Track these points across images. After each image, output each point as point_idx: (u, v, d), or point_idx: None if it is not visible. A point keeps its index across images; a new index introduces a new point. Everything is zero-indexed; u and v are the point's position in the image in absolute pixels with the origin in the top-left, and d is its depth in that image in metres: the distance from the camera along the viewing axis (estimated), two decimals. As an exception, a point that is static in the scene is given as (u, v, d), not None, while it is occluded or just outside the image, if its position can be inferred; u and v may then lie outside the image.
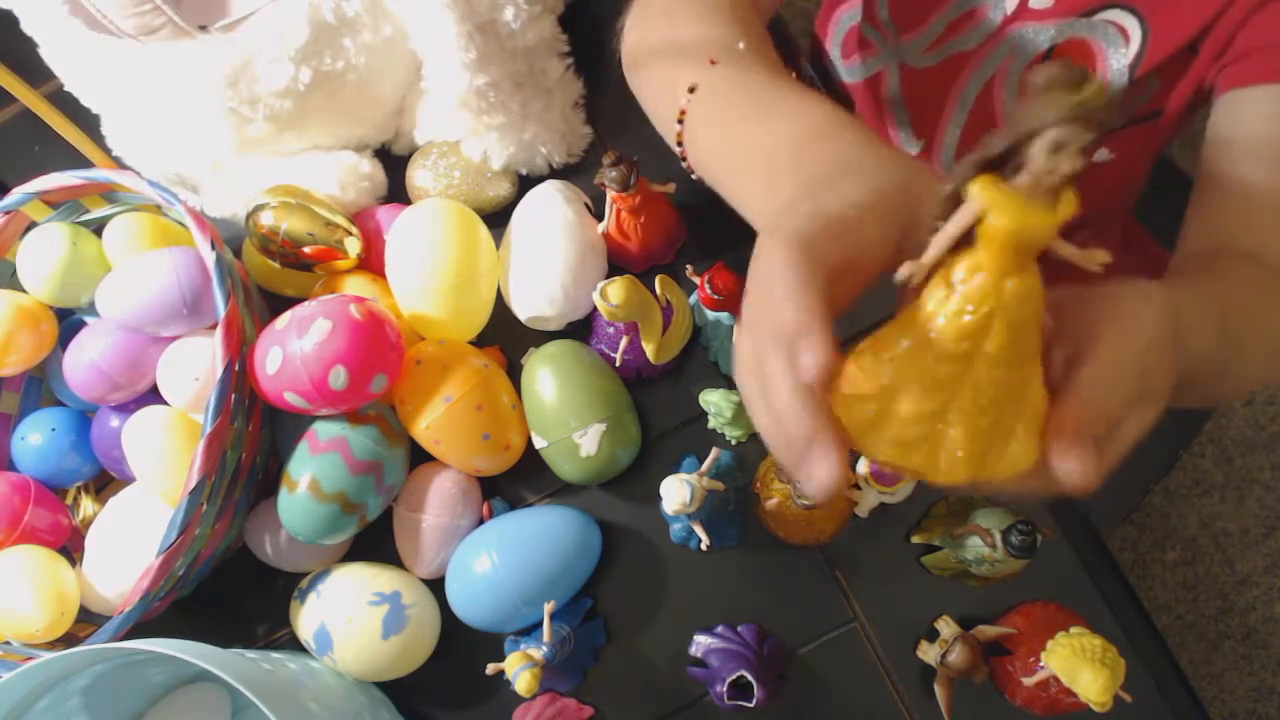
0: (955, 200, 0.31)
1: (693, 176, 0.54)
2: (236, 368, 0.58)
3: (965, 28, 0.65)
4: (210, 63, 0.61)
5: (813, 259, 0.33)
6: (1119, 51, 0.60)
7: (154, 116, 0.67)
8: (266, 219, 0.65)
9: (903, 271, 0.31)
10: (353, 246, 0.66)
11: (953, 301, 0.31)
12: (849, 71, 0.78)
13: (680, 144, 0.53)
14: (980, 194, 0.29)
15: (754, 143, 0.46)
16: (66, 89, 0.69)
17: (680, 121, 0.52)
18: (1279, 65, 0.54)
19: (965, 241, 0.31)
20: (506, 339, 0.69)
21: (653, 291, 0.63)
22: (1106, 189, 0.72)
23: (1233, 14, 0.57)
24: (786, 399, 0.32)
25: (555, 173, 0.72)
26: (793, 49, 0.76)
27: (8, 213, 0.66)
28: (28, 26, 0.65)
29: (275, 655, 0.64)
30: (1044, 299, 0.31)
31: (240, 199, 0.72)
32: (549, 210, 0.66)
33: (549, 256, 0.65)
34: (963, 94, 0.68)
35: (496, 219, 0.70)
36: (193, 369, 0.61)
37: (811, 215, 0.34)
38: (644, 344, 0.63)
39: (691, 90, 0.51)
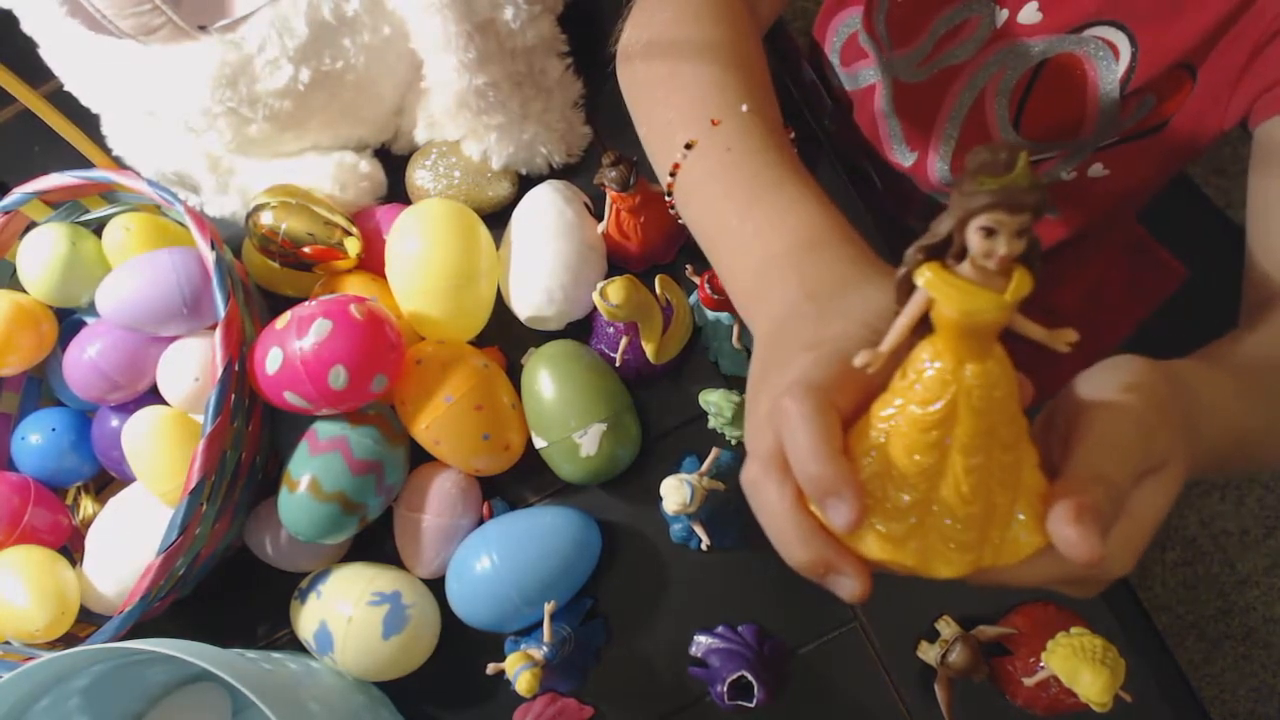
0: (908, 286, 0.31)
1: (679, 220, 0.54)
2: (236, 368, 0.58)
3: (956, 41, 0.65)
4: (210, 63, 0.61)
5: (831, 410, 0.33)
6: (1109, 66, 0.60)
7: (154, 116, 0.67)
8: (266, 219, 0.64)
9: (860, 359, 0.31)
10: (352, 246, 0.66)
11: (916, 391, 0.31)
12: (848, 79, 0.78)
13: (669, 194, 0.53)
14: (925, 283, 0.30)
15: (741, 240, 0.46)
16: (66, 89, 0.69)
17: (672, 175, 0.51)
18: None
19: (926, 326, 0.31)
20: (506, 339, 0.69)
21: (653, 291, 0.63)
22: (1104, 202, 0.73)
23: (1237, 36, 0.57)
24: (807, 537, 0.34)
25: (555, 173, 0.72)
26: (793, 51, 0.76)
27: (8, 213, 0.66)
28: (27, 26, 0.65)
29: (275, 655, 0.64)
30: (1014, 380, 0.31)
31: (240, 199, 0.72)
32: (549, 210, 0.66)
33: (549, 256, 0.65)
34: (955, 106, 0.68)
35: (496, 219, 0.70)
36: (193, 369, 0.61)
37: (825, 362, 0.34)
38: (644, 344, 0.63)
39: (688, 146, 0.50)
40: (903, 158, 0.75)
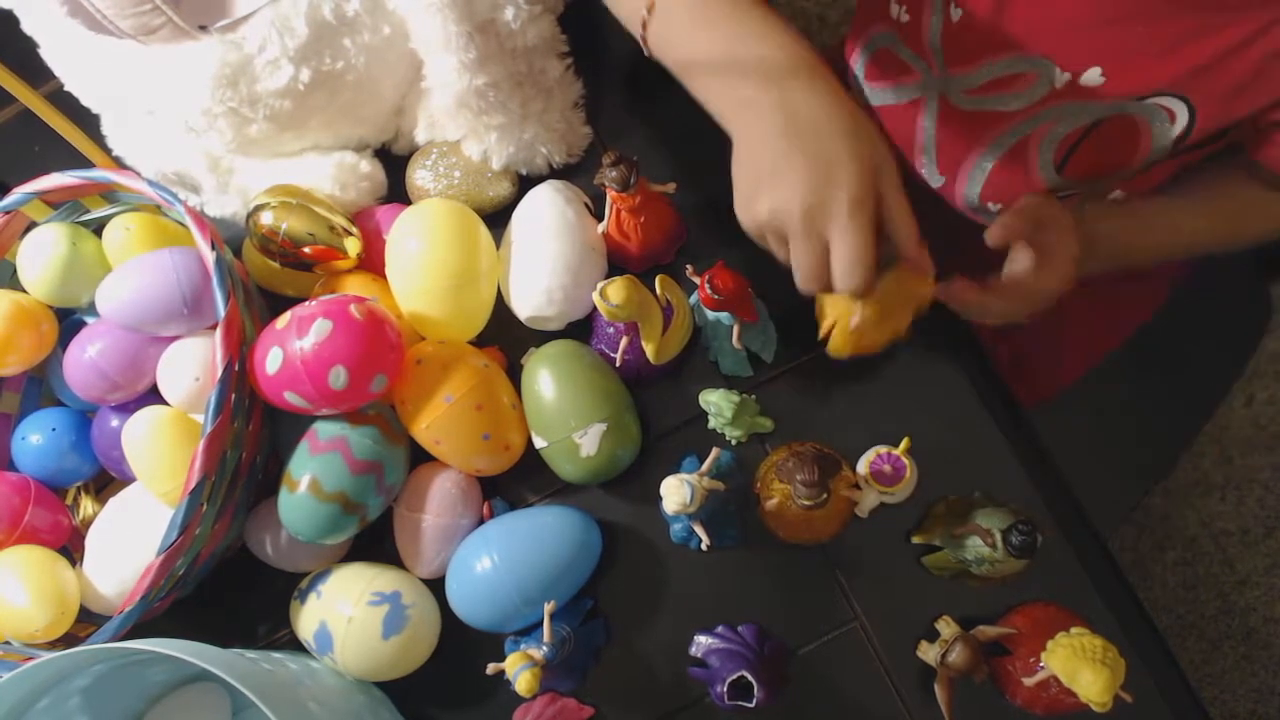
0: None
1: (648, 55, 0.57)
2: (236, 368, 0.58)
3: (1009, 89, 0.64)
4: (210, 62, 0.61)
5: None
6: (1164, 128, 0.60)
7: (154, 116, 0.67)
8: (267, 219, 0.64)
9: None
10: (352, 246, 0.66)
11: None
12: (876, 94, 0.77)
13: (645, 40, 0.56)
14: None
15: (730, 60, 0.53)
16: (66, 89, 0.69)
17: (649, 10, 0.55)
18: None
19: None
20: (506, 339, 0.69)
21: (653, 291, 0.63)
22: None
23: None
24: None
25: (555, 173, 0.72)
26: None
27: (8, 213, 0.66)
28: (28, 26, 0.65)
29: (275, 655, 0.64)
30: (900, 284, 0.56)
31: (240, 199, 0.72)
32: (549, 210, 0.66)
33: (549, 256, 0.65)
34: (996, 141, 0.68)
35: (496, 219, 0.69)
36: (193, 369, 0.61)
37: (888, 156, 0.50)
38: (644, 344, 0.63)
39: None
40: (931, 178, 0.74)
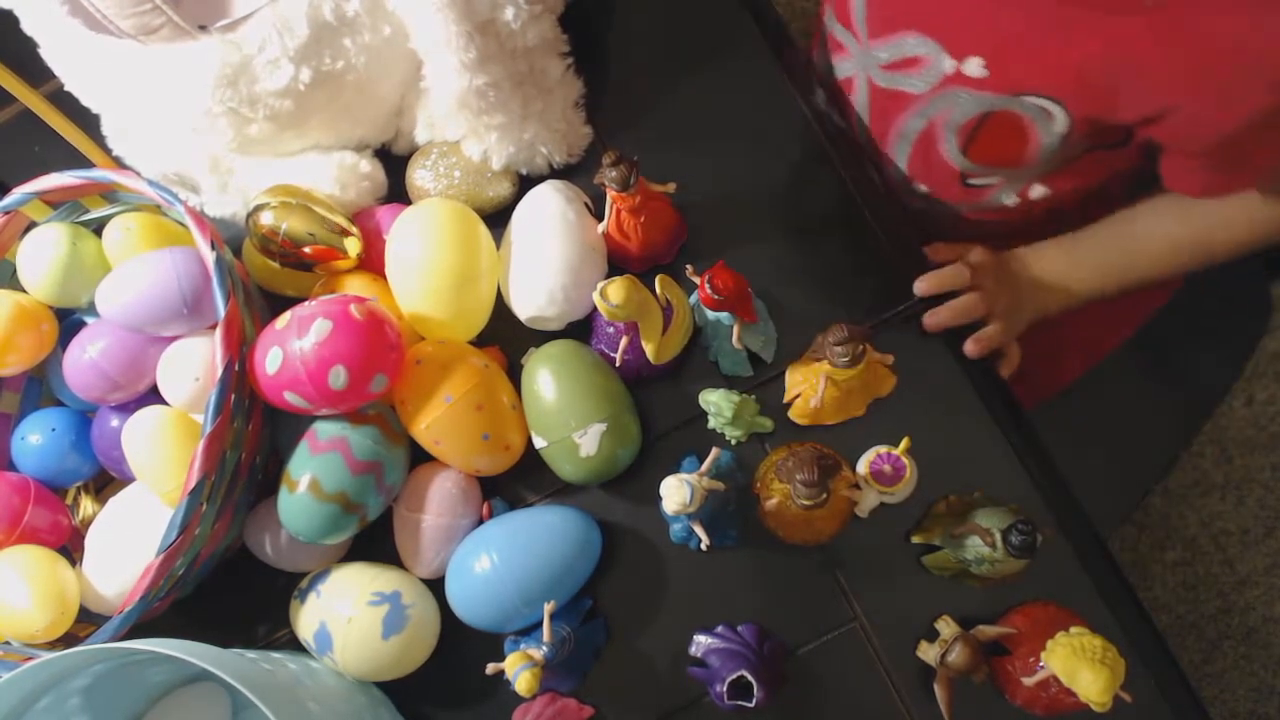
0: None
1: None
2: (236, 368, 0.58)
3: (913, 69, 0.68)
4: (210, 62, 0.61)
5: None
6: (1048, 127, 0.64)
7: (154, 116, 0.67)
8: (267, 219, 0.64)
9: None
10: (353, 246, 0.66)
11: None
12: (833, 69, 0.79)
13: None
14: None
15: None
16: (66, 89, 0.69)
17: None
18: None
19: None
20: (506, 339, 0.69)
21: (653, 291, 0.63)
22: (1056, 215, 0.76)
23: (1182, 116, 0.60)
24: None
25: (555, 172, 0.72)
26: (794, 50, 0.76)
27: (8, 213, 0.66)
28: (28, 26, 0.65)
29: (275, 655, 0.64)
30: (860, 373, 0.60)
31: (240, 199, 0.72)
32: (549, 210, 0.66)
33: (549, 256, 0.65)
34: (905, 129, 0.72)
35: (496, 219, 0.69)
36: (193, 369, 0.61)
37: None
38: (644, 344, 0.63)
39: None
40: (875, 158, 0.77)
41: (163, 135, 0.70)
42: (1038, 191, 0.72)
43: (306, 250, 0.65)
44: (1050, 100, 0.62)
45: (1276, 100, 0.55)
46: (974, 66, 0.64)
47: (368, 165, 0.71)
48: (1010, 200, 0.73)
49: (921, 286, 0.67)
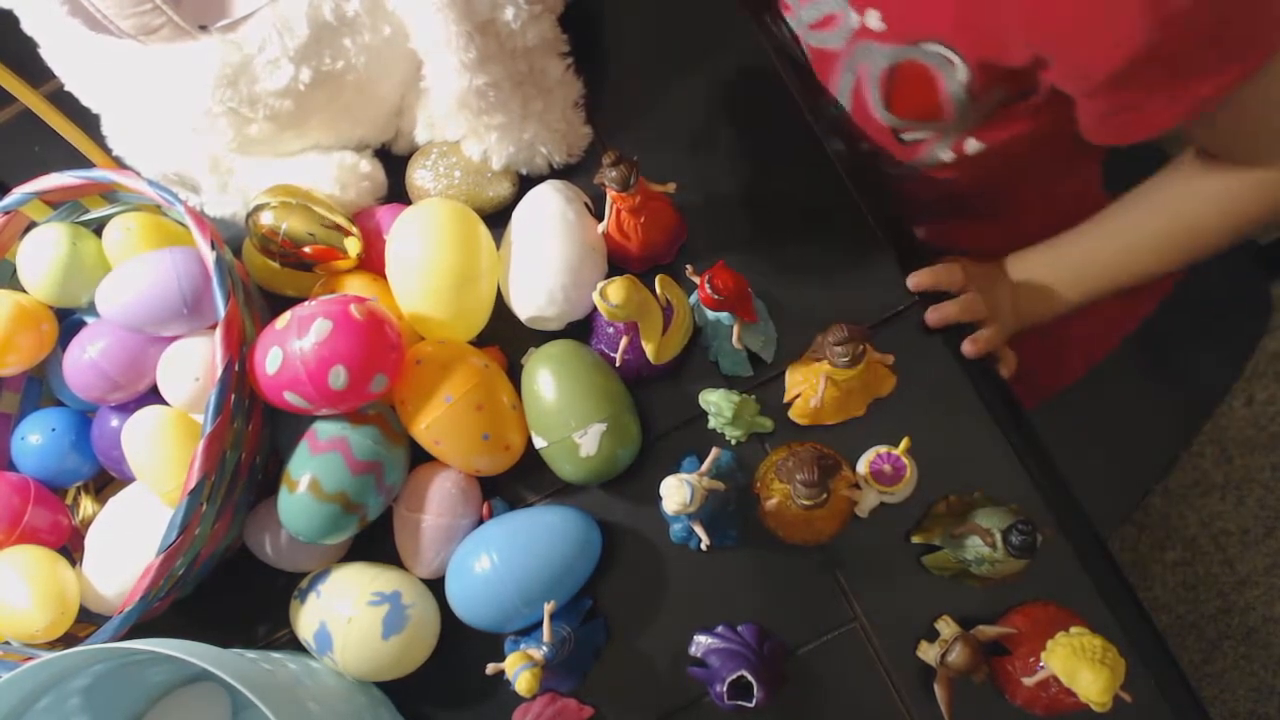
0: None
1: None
2: (236, 368, 0.58)
3: (831, 28, 0.70)
4: (210, 62, 0.61)
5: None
6: (952, 75, 0.64)
7: (154, 117, 0.67)
8: (266, 219, 0.64)
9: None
10: (353, 246, 0.66)
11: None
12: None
13: None
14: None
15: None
16: (66, 89, 0.69)
17: None
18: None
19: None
20: (506, 339, 0.69)
21: (653, 291, 0.63)
22: (1002, 164, 0.75)
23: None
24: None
25: (555, 172, 0.72)
26: (794, 50, 0.76)
27: (8, 213, 0.66)
28: (28, 26, 0.65)
29: (275, 655, 0.64)
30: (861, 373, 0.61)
31: (240, 199, 0.71)
32: (549, 210, 0.66)
33: (549, 256, 0.65)
34: (840, 86, 0.73)
35: (496, 219, 0.69)
36: (193, 369, 0.61)
37: None
38: (644, 344, 0.63)
39: None
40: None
41: (163, 135, 0.70)
42: (972, 146, 0.71)
43: (306, 250, 0.65)
44: (946, 47, 0.62)
45: (1156, 27, 0.53)
46: (874, 19, 0.65)
47: (368, 165, 0.71)
48: (946, 155, 0.72)
49: (915, 281, 0.67)
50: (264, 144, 0.68)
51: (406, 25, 0.65)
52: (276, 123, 0.65)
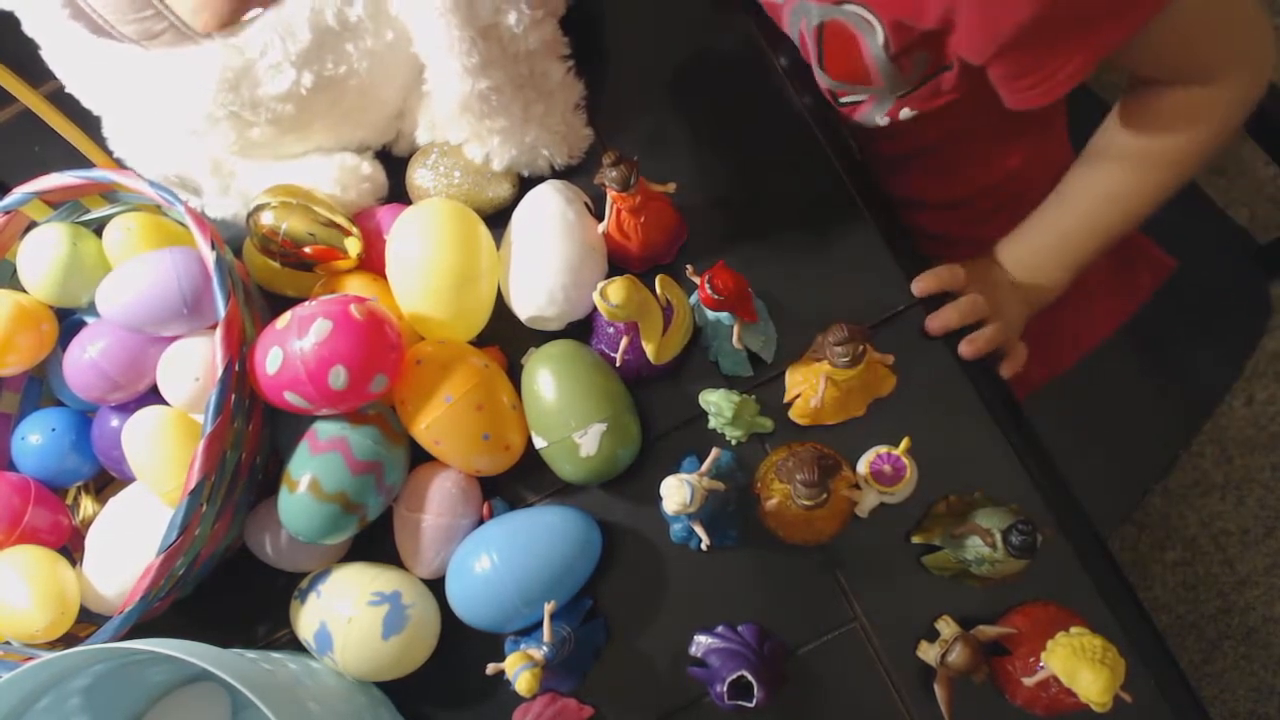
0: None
1: None
2: (236, 368, 0.58)
3: None
4: (212, 67, 0.60)
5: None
6: (872, 36, 0.65)
7: (155, 120, 0.67)
8: (267, 219, 0.64)
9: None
10: (353, 246, 0.66)
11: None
12: None
13: None
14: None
15: None
16: (67, 90, 0.68)
17: None
18: None
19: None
20: (506, 339, 0.69)
21: (653, 291, 0.63)
22: (932, 132, 0.76)
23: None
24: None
25: (556, 173, 0.72)
26: (795, 50, 0.76)
27: (8, 213, 0.66)
28: (30, 29, 0.65)
29: (275, 655, 0.64)
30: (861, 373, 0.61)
31: (242, 201, 0.72)
32: (549, 210, 0.66)
33: (549, 257, 0.65)
34: (792, 35, 0.72)
35: (497, 219, 0.70)
36: (193, 369, 0.61)
37: None
38: (644, 344, 0.63)
39: None
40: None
41: (164, 138, 0.70)
42: (905, 113, 0.71)
43: (307, 250, 0.65)
44: (865, 8, 0.63)
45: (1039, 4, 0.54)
46: None
47: (369, 167, 0.71)
48: (881, 119, 0.73)
49: (919, 286, 0.68)
50: (265, 147, 0.68)
51: (409, 30, 0.65)
52: (278, 126, 0.65)
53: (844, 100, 0.73)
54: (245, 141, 0.66)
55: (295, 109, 0.64)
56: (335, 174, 0.69)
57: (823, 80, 0.72)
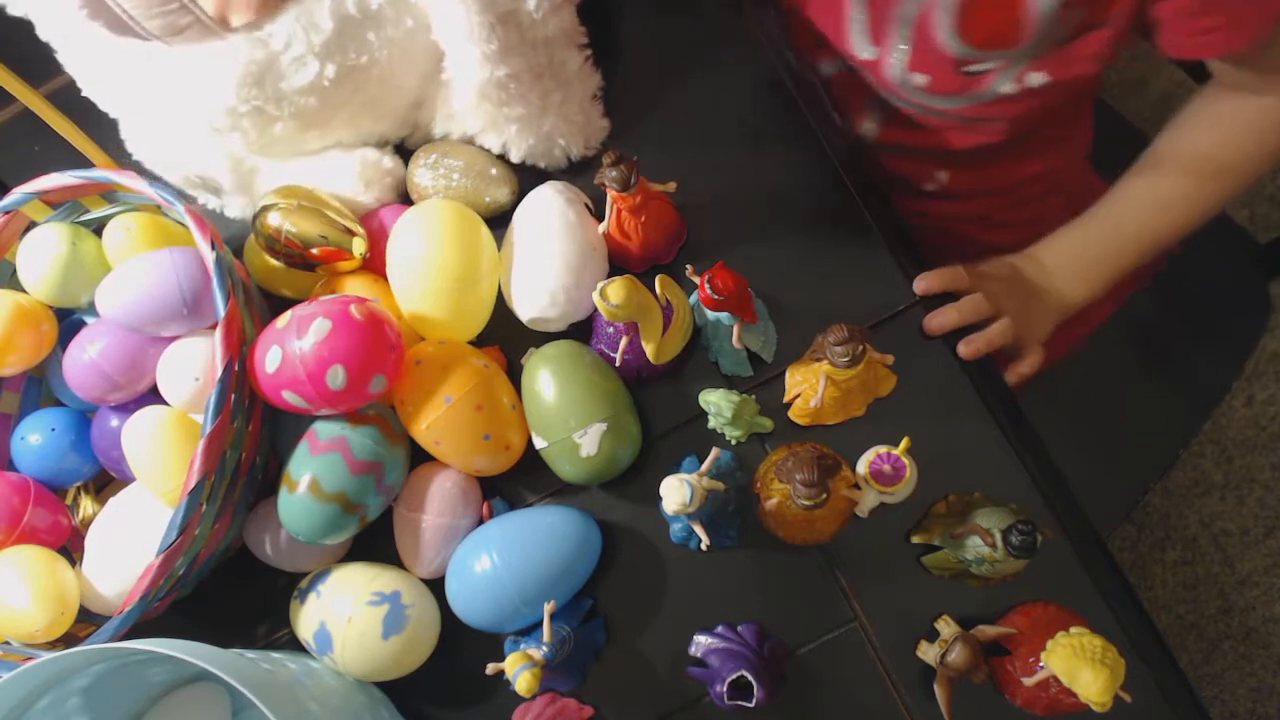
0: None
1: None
2: (236, 368, 0.58)
3: None
4: (237, 61, 0.60)
5: None
6: None
7: (176, 118, 0.66)
8: (274, 220, 0.65)
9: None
10: (358, 247, 0.66)
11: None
12: None
13: None
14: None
15: None
16: (67, 89, 0.68)
17: None
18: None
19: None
20: (506, 339, 0.69)
21: (653, 291, 0.63)
22: (1046, 112, 0.76)
23: None
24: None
25: (555, 174, 0.72)
26: (795, 50, 0.76)
27: (8, 213, 0.66)
28: (43, 32, 0.65)
29: (275, 655, 0.64)
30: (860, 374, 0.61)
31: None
32: (550, 211, 0.66)
33: (549, 257, 0.65)
34: (902, 13, 0.71)
35: (497, 220, 0.69)
36: (193, 369, 0.61)
37: None
38: (644, 344, 0.63)
39: None
40: (863, 50, 0.75)
41: (185, 137, 0.69)
42: (1035, 79, 0.70)
43: (314, 251, 0.65)
44: None
45: None
46: None
47: (389, 161, 0.71)
48: (1008, 87, 0.71)
49: (921, 285, 0.68)
50: (287, 143, 0.68)
51: (429, 17, 0.65)
52: (301, 120, 0.65)
53: (972, 69, 0.71)
54: (267, 137, 0.65)
55: (318, 101, 0.63)
56: (358, 169, 0.69)
57: (953, 49, 0.70)
